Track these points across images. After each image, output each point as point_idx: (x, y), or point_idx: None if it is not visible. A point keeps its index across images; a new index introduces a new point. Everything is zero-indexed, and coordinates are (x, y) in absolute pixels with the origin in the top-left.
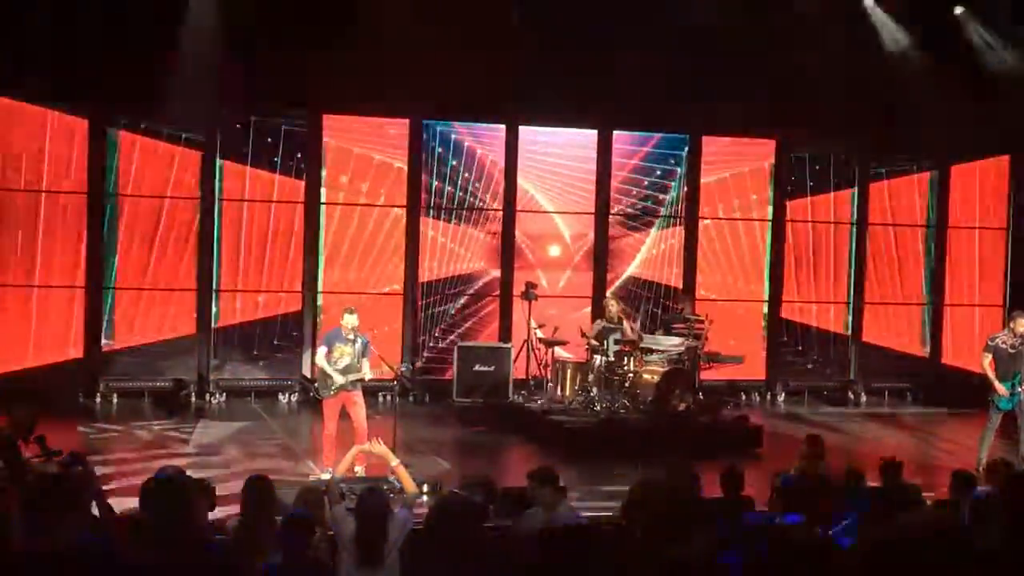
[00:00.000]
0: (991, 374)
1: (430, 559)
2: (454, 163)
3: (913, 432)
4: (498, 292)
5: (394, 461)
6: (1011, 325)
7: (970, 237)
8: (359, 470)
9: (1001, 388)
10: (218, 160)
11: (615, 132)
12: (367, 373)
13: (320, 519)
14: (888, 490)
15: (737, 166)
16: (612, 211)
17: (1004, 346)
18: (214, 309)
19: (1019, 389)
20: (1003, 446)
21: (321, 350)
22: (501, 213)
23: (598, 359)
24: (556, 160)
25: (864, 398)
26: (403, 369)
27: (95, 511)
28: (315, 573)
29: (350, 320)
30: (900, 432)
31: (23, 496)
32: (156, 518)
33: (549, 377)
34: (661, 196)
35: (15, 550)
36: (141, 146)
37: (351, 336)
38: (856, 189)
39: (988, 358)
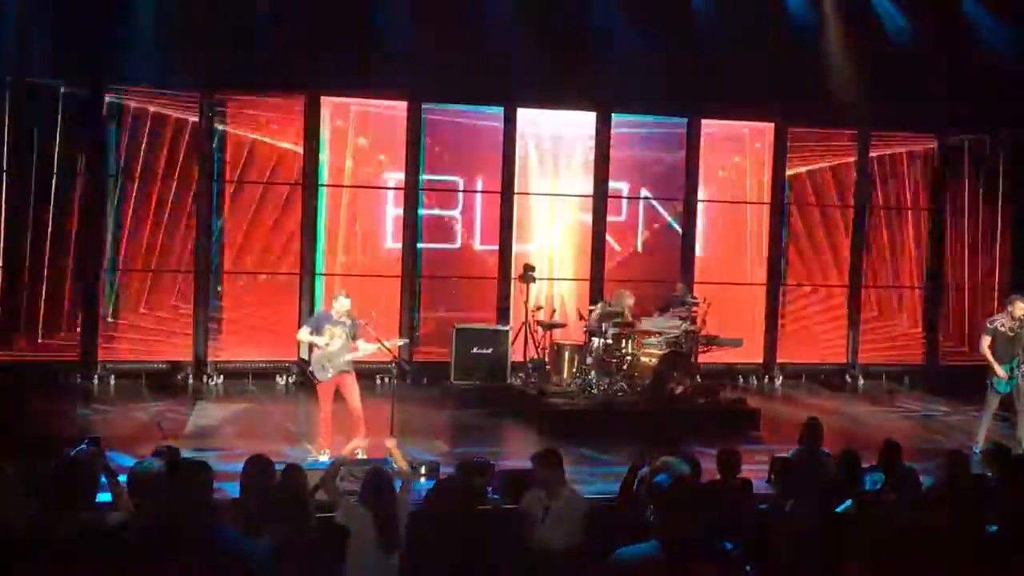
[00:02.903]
0: (990, 357)
1: (428, 541)
2: (452, 145)
3: (910, 415)
4: (496, 274)
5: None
6: (1009, 308)
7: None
8: (360, 453)
9: (1000, 371)
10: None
11: (614, 115)
12: (367, 347)
13: (305, 497)
14: (886, 473)
15: (738, 148)
16: (610, 194)
17: (1003, 329)
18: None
19: (1017, 372)
20: (1000, 430)
21: (304, 329)
22: (499, 195)
23: (596, 342)
24: (554, 142)
25: (862, 381)
26: (400, 343)
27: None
28: (310, 552)
29: (344, 304)
30: (897, 415)
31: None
32: (159, 503)
33: (547, 360)
34: (660, 179)
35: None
36: (142, 122)
37: (341, 319)
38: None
39: (987, 341)
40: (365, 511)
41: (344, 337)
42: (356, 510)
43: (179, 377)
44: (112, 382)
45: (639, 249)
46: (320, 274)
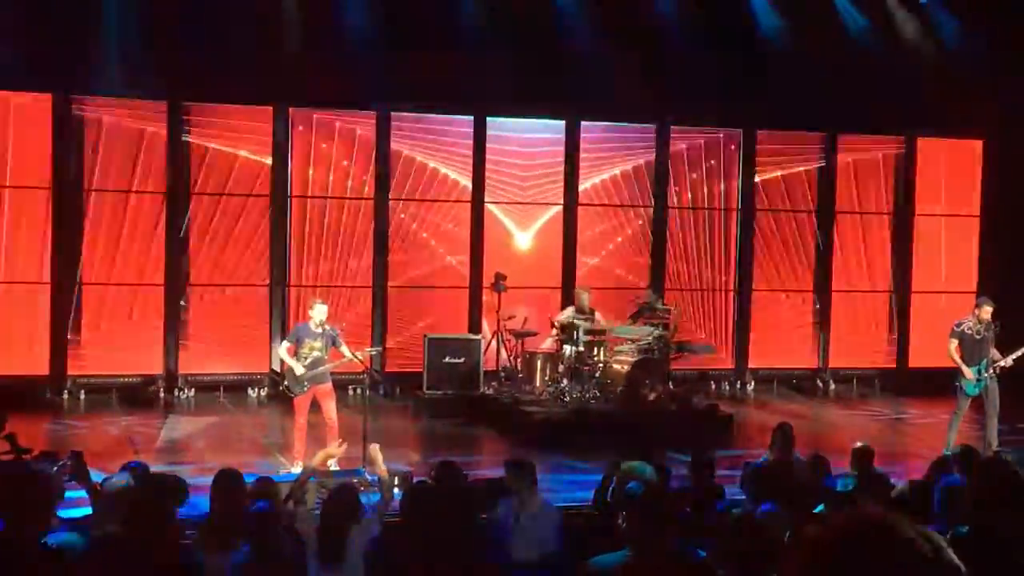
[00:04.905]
0: (958, 359)
1: (403, 548)
2: (421, 154)
3: (881, 419)
4: (467, 284)
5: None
6: (977, 312)
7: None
8: (332, 463)
9: (969, 373)
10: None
11: (583, 123)
12: (348, 354)
13: (280, 510)
14: (858, 477)
15: (707, 153)
16: (580, 202)
17: (970, 332)
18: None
19: (986, 374)
20: (970, 432)
21: (284, 344)
22: (470, 204)
23: (568, 349)
24: (524, 148)
25: (833, 386)
26: (374, 352)
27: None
28: (281, 565)
29: (320, 311)
30: (868, 419)
31: None
32: (126, 517)
33: (519, 368)
34: (630, 186)
35: None
36: (107, 131)
37: (319, 330)
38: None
39: (954, 344)
40: (315, 520)
41: (322, 350)
42: (308, 519)
43: (150, 390)
44: (82, 397)
45: (609, 257)
46: (290, 285)
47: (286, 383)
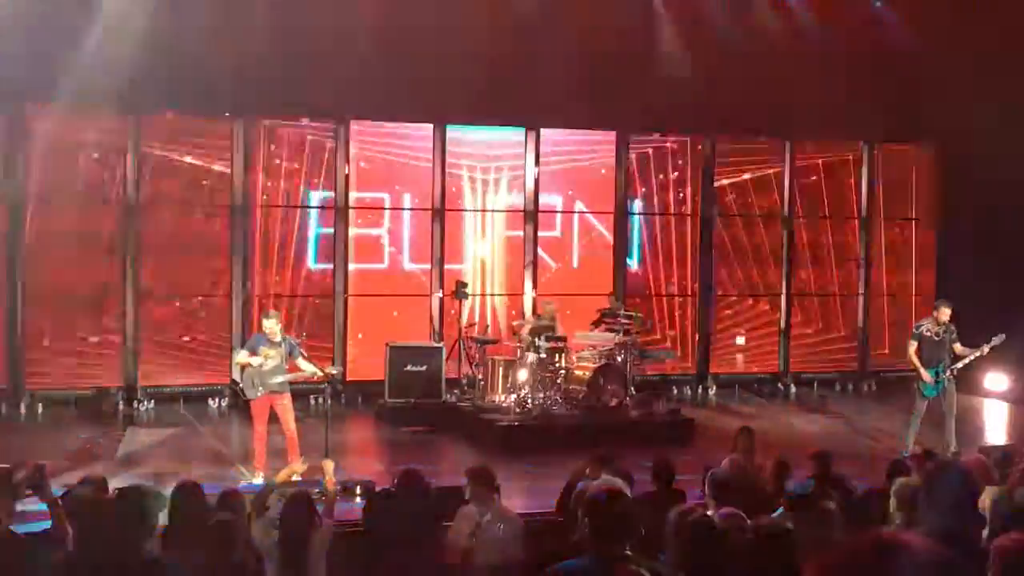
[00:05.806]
0: (916, 362)
1: (367, 556)
2: (380, 162)
3: (842, 421)
4: (429, 291)
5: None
6: (935, 314)
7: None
8: (296, 478)
9: (926, 375)
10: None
11: (543, 130)
12: (307, 369)
13: (243, 522)
14: (819, 481)
15: (668, 159)
16: (541, 209)
17: (929, 334)
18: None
19: (943, 376)
20: (928, 433)
21: (242, 352)
22: (430, 212)
23: (530, 356)
24: (485, 153)
25: (794, 389)
26: (334, 372)
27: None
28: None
29: (269, 325)
30: (829, 422)
31: None
32: (87, 528)
33: (481, 376)
34: (592, 192)
35: None
36: (64, 142)
37: (277, 339)
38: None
39: (914, 346)
40: (275, 532)
41: (279, 359)
42: (268, 530)
43: (109, 403)
44: (40, 409)
45: (574, 264)
46: (251, 296)
47: (240, 385)
